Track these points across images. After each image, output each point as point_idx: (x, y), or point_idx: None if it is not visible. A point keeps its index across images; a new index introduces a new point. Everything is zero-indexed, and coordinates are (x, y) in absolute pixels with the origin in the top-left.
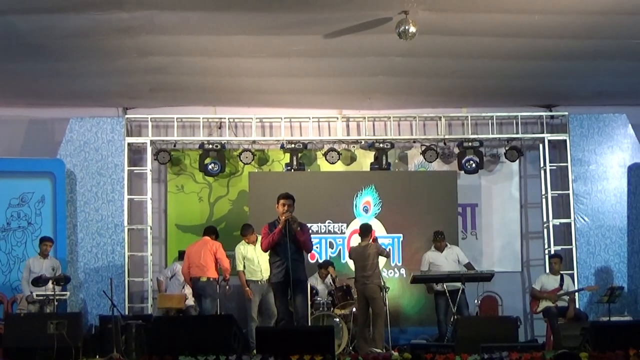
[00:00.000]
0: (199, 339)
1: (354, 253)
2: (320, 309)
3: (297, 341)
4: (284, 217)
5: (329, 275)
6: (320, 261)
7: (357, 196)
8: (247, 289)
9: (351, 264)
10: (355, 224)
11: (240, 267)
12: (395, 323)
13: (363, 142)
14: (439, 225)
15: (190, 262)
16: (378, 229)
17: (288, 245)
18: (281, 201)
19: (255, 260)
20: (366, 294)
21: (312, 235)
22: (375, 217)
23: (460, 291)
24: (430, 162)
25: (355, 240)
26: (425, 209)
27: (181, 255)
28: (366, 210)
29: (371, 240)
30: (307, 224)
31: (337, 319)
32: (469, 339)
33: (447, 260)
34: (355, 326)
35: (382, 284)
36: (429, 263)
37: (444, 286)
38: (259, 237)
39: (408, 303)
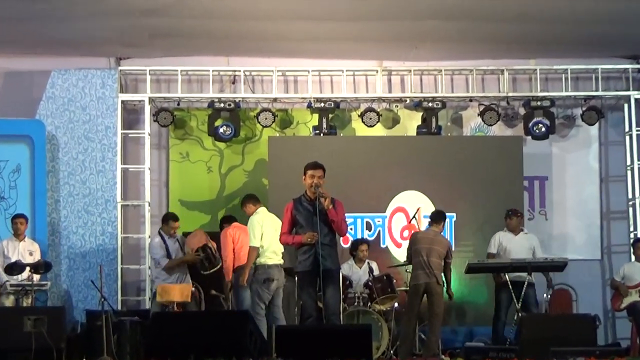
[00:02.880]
0: (208, 339)
1: (420, 240)
2: (355, 303)
3: (327, 343)
4: (313, 192)
5: (364, 256)
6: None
7: None
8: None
9: (399, 252)
10: (400, 200)
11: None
12: (446, 322)
13: (408, 101)
14: (500, 202)
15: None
16: (424, 206)
17: (318, 227)
18: (309, 172)
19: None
20: (428, 291)
21: (346, 215)
22: (423, 192)
23: (525, 284)
24: (490, 125)
25: (398, 223)
26: (484, 183)
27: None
28: None
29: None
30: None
31: (376, 316)
32: (536, 342)
33: (521, 247)
34: (398, 325)
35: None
36: (499, 245)
37: (507, 277)
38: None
39: (462, 297)
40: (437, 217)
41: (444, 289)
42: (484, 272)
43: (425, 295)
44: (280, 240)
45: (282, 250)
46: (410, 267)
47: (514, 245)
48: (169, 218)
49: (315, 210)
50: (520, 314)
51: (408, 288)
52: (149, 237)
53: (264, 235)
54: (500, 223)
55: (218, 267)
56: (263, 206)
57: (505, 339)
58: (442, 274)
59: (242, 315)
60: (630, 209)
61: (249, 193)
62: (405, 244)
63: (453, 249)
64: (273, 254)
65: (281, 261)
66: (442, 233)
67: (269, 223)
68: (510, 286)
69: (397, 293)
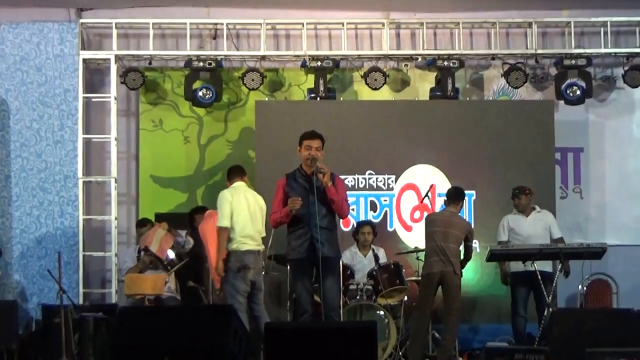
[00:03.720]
0: (184, 338)
1: (434, 222)
2: (358, 297)
3: (325, 343)
4: (309, 167)
5: (367, 241)
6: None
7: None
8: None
9: (409, 237)
10: (410, 176)
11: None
12: (465, 318)
13: (419, 59)
14: (528, 178)
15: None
16: (439, 182)
17: (315, 207)
18: (305, 143)
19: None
20: (444, 281)
21: (348, 193)
22: (438, 167)
23: (557, 275)
24: (516, 87)
25: (408, 202)
26: (508, 156)
27: (160, 220)
28: None
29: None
30: (341, 176)
31: (382, 312)
32: (569, 341)
33: (533, 228)
34: (407, 322)
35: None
36: (509, 230)
37: (534, 266)
38: None
39: (483, 289)
40: (455, 196)
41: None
42: (509, 260)
43: (440, 286)
44: (270, 221)
45: (263, 233)
46: (422, 254)
47: (526, 228)
48: (136, 226)
49: (312, 187)
50: (550, 309)
51: (420, 278)
52: (116, 219)
53: (235, 214)
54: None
55: (180, 264)
56: (243, 180)
57: (529, 336)
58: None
59: (225, 310)
60: None
61: (234, 164)
62: (417, 227)
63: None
64: (248, 238)
65: (260, 247)
66: (460, 214)
67: (244, 200)
68: (535, 277)
69: (407, 285)
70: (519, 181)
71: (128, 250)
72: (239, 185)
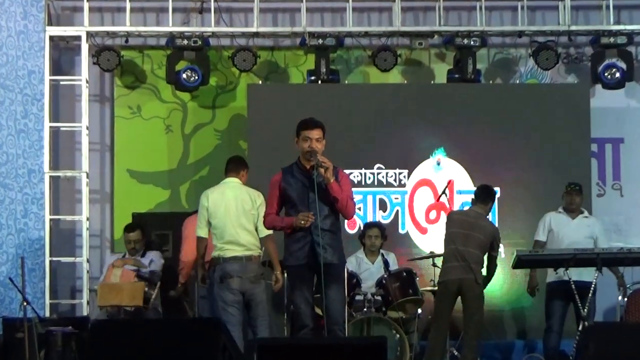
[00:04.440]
0: (166, 355)
1: (455, 222)
2: (365, 309)
3: None
4: (309, 160)
5: (373, 245)
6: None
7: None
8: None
9: (424, 240)
10: (425, 171)
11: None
12: (488, 335)
13: (435, 37)
14: (560, 173)
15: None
16: (458, 178)
17: (316, 206)
18: (304, 133)
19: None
20: (463, 291)
21: (353, 190)
22: (457, 160)
23: (594, 287)
24: (546, 69)
25: (423, 200)
26: (537, 148)
27: (137, 223)
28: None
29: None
30: (346, 171)
31: (393, 327)
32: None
33: (577, 234)
34: (422, 338)
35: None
36: (549, 231)
37: (566, 274)
38: None
39: (508, 301)
40: (483, 195)
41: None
42: (538, 267)
43: (458, 296)
44: (264, 224)
45: (252, 239)
46: (439, 260)
47: (569, 231)
48: (123, 230)
49: (312, 184)
50: (585, 323)
51: (436, 288)
52: (87, 219)
53: (214, 218)
54: (559, 202)
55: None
56: (238, 176)
57: (562, 354)
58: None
59: (213, 323)
60: None
61: (234, 155)
62: (432, 228)
63: None
64: (231, 244)
65: (250, 252)
66: (487, 216)
67: (227, 200)
68: (570, 289)
69: (422, 295)
70: (550, 177)
71: (110, 258)
72: (228, 182)
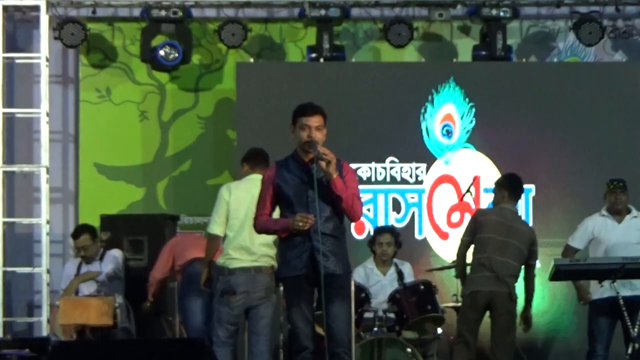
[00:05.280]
0: None
1: (488, 224)
2: (376, 328)
3: None
4: (308, 152)
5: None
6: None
7: (425, 108)
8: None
9: (445, 247)
10: (447, 165)
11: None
12: (521, 359)
13: (458, 7)
14: (608, 167)
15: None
16: (485, 173)
17: (317, 207)
18: (301, 120)
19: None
20: (494, 306)
21: (359, 187)
22: (472, 145)
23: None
24: (590, 45)
25: (443, 200)
26: (580, 137)
27: (83, 226)
28: (448, 133)
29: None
30: (352, 165)
31: (409, 349)
32: None
33: (626, 237)
34: None
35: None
36: (591, 239)
37: (613, 287)
38: None
39: (545, 319)
40: (517, 187)
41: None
42: (579, 279)
43: (487, 312)
44: (255, 227)
45: (267, 249)
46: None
47: (617, 236)
48: (72, 236)
49: (312, 180)
50: (635, 346)
51: (460, 304)
52: (48, 223)
53: (236, 217)
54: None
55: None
56: (259, 172)
57: None
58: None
59: (195, 345)
60: None
61: (254, 148)
62: (455, 233)
63: None
64: (241, 251)
65: (261, 263)
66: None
67: (254, 199)
68: (620, 305)
69: (443, 312)
70: (595, 172)
71: (66, 264)
72: (255, 179)
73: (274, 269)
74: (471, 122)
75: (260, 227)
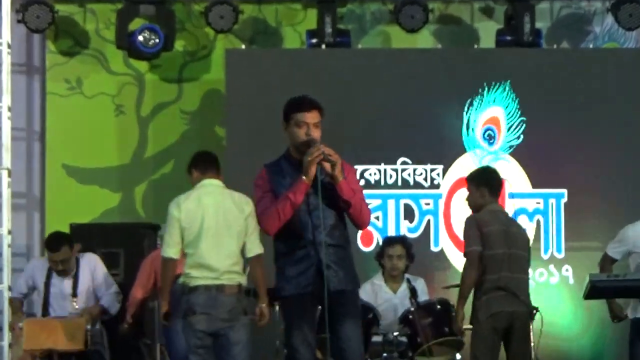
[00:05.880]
0: None
1: (497, 237)
2: (385, 354)
3: None
4: (304, 152)
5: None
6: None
7: (470, 104)
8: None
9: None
10: (466, 166)
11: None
12: None
13: None
14: None
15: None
16: (511, 177)
17: (320, 215)
18: (297, 117)
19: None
20: (514, 328)
21: (367, 192)
22: (511, 154)
23: None
24: (630, 29)
25: (462, 207)
26: (619, 135)
27: (61, 236)
28: (490, 138)
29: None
30: (359, 167)
31: None
32: None
33: None
34: None
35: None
36: (630, 251)
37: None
38: None
39: (577, 340)
40: (497, 183)
41: None
42: (618, 297)
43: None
44: (265, 229)
45: (230, 263)
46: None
47: None
48: (46, 246)
49: (314, 184)
50: None
51: (477, 324)
52: (9, 232)
53: (191, 234)
54: None
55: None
56: (216, 177)
57: None
58: None
59: None
60: None
61: (200, 151)
62: None
63: (559, 255)
64: (202, 269)
65: (219, 281)
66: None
67: (206, 209)
68: None
69: (462, 335)
70: (636, 174)
71: (29, 264)
72: (206, 185)
73: (242, 287)
74: (518, 138)
75: (272, 226)
